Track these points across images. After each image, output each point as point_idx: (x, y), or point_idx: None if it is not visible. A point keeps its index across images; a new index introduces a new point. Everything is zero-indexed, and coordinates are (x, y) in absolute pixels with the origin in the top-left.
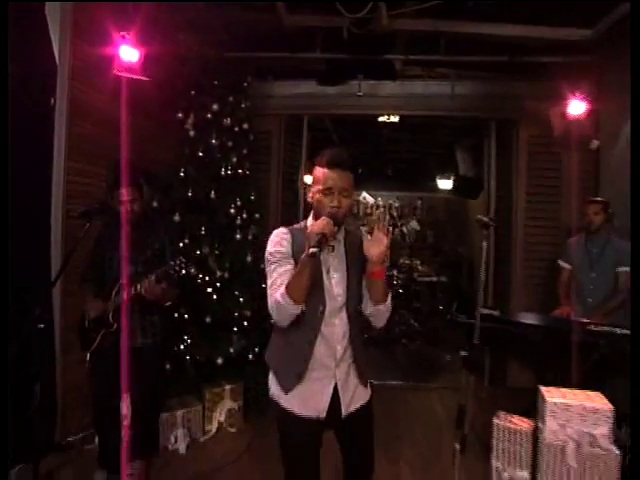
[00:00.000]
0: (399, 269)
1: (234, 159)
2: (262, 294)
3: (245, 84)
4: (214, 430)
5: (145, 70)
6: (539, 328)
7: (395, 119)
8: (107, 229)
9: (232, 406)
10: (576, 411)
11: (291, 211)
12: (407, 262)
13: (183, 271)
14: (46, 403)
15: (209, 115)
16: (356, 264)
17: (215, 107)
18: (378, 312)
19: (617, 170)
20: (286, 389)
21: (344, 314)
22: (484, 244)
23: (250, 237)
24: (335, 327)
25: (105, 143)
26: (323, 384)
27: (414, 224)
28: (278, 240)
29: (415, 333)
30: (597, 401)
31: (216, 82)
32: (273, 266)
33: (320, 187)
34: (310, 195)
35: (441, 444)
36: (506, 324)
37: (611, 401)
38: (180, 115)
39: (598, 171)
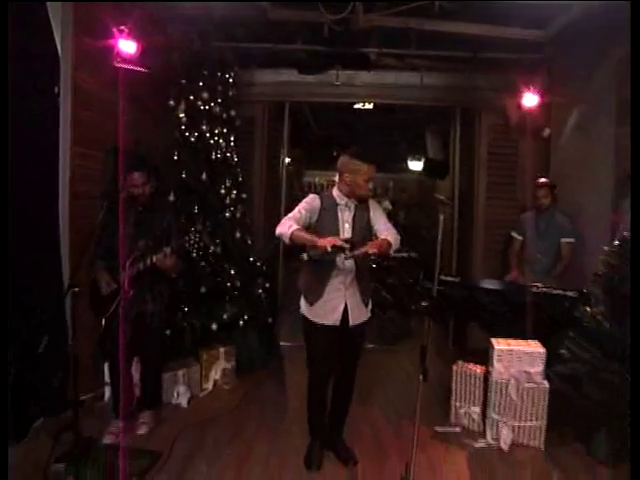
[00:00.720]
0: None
1: (223, 144)
2: (250, 267)
3: (232, 73)
4: (210, 387)
5: (141, 61)
6: (494, 291)
7: (369, 106)
8: (112, 209)
9: (226, 366)
10: (517, 355)
11: (274, 190)
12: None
13: (197, 245)
14: (60, 365)
15: (199, 103)
16: (362, 222)
17: (205, 95)
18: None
19: (565, 154)
20: (310, 303)
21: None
22: (441, 217)
23: (238, 215)
24: (346, 262)
25: (104, 128)
26: (337, 302)
27: (387, 204)
28: (311, 200)
29: (387, 304)
30: (533, 346)
31: (205, 72)
32: (298, 208)
33: (362, 177)
34: (346, 177)
35: (407, 390)
36: (465, 289)
37: (553, 348)
38: (172, 103)
39: (549, 155)
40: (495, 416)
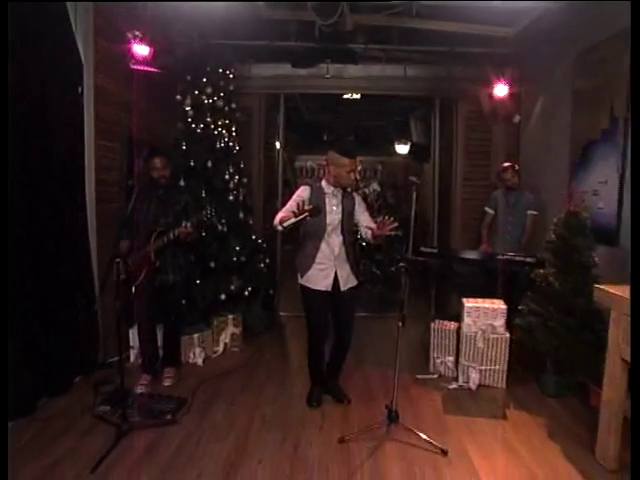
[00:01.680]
0: None
1: (226, 134)
2: (252, 244)
3: (232, 69)
4: (221, 349)
5: (154, 62)
6: (466, 260)
7: (357, 96)
8: (142, 191)
9: (234, 331)
10: (483, 310)
11: (271, 175)
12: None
13: (207, 224)
14: (90, 331)
15: (204, 97)
16: (348, 206)
17: (209, 90)
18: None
19: (533, 138)
20: (303, 273)
21: (339, 232)
22: (414, 194)
23: (241, 198)
24: (333, 239)
25: (121, 123)
26: (328, 271)
27: (375, 185)
28: (301, 191)
29: (377, 279)
30: (497, 303)
31: (208, 68)
32: (290, 202)
33: (345, 169)
34: (331, 169)
35: (392, 349)
36: (442, 258)
37: (515, 305)
38: (179, 97)
39: (519, 139)
40: (465, 362)
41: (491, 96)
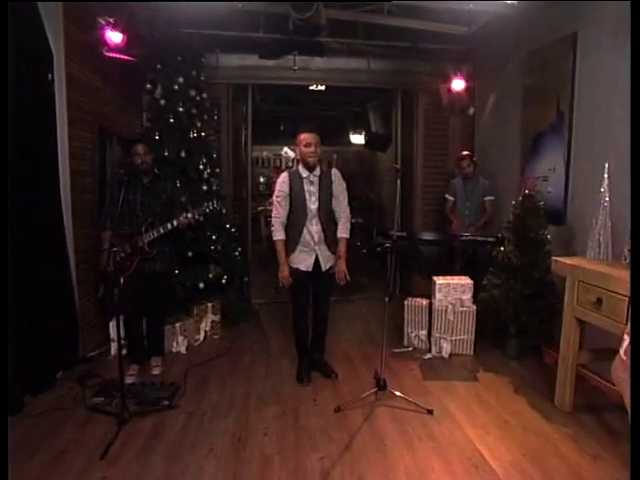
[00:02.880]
0: None
1: (198, 124)
2: (228, 234)
3: (203, 59)
4: (202, 337)
5: (126, 50)
6: (432, 241)
7: (322, 87)
8: (127, 179)
9: (214, 319)
10: (452, 286)
11: (240, 164)
12: None
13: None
14: (70, 325)
15: (176, 87)
16: (326, 192)
17: (181, 79)
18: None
19: (485, 129)
20: (289, 255)
21: (318, 219)
22: (398, 182)
23: (214, 187)
24: (313, 225)
25: (93, 112)
26: (309, 254)
27: None
28: (282, 183)
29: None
30: (464, 280)
31: (180, 58)
32: (277, 200)
33: (302, 144)
34: (297, 149)
35: (367, 324)
36: (411, 240)
37: (475, 280)
38: (149, 86)
39: (474, 130)
40: (437, 334)
41: (449, 89)
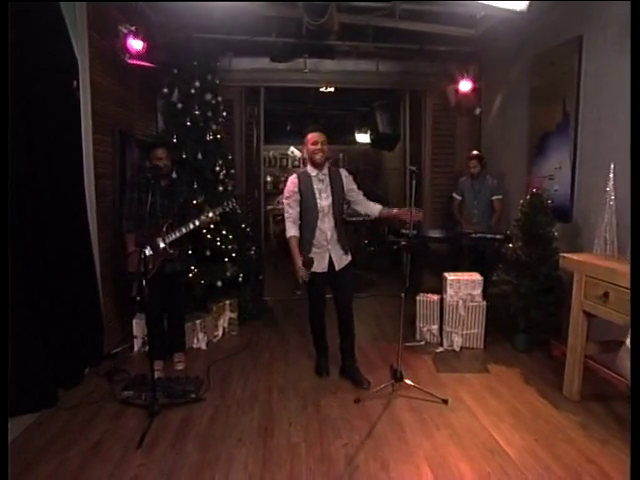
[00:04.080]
0: None
1: (214, 126)
2: (243, 233)
3: (217, 63)
4: (220, 334)
5: (148, 57)
6: (442, 239)
7: (331, 89)
8: (149, 182)
9: (231, 316)
10: (463, 282)
11: (252, 165)
12: None
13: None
14: (94, 324)
15: (192, 90)
16: (337, 189)
17: (197, 84)
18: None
19: (492, 129)
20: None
21: (331, 217)
22: (413, 182)
23: (229, 188)
24: (325, 224)
25: (116, 117)
26: (323, 255)
27: None
28: (291, 184)
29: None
30: (474, 276)
31: (195, 63)
32: (287, 202)
33: (309, 142)
34: (305, 149)
35: (379, 320)
36: (422, 238)
37: (485, 276)
38: (166, 90)
39: (480, 130)
40: (449, 329)
41: (456, 90)
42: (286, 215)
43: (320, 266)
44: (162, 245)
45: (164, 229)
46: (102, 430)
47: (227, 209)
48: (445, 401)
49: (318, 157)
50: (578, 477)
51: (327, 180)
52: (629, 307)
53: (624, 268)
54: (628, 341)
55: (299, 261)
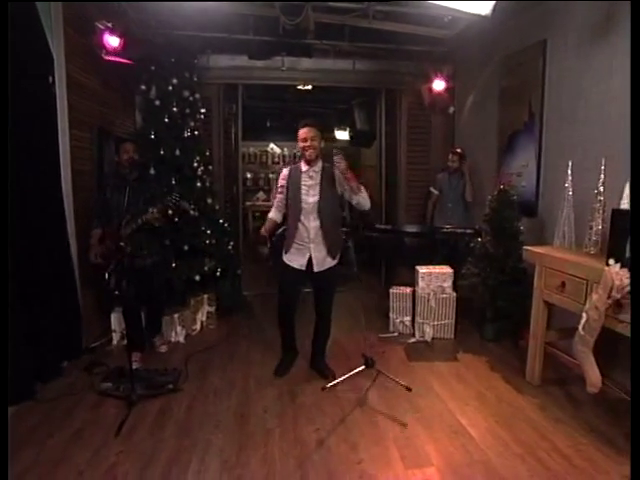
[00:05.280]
0: None
1: (192, 123)
2: (221, 227)
3: (195, 60)
4: (199, 327)
5: (125, 53)
6: (416, 233)
7: (309, 87)
8: (115, 178)
9: (209, 310)
10: (434, 274)
11: (230, 161)
12: None
13: (175, 204)
14: (72, 318)
15: (170, 87)
16: (328, 185)
17: (175, 81)
18: (358, 200)
19: (465, 127)
20: (286, 250)
21: (316, 215)
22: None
23: (207, 184)
24: (310, 222)
25: (92, 113)
26: (303, 252)
27: None
28: (282, 177)
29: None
30: (445, 269)
31: (173, 60)
32: (277, 190)
33: (299, 139)
34: (298, 147)
35: (355, 313)
36: (395, 232)
37: (456, 269)
38: (143, 87)
39: (454, 128)
40: (420, 320)
41: (430, 90)
42: (274, 201)
43: (297, 262)
44: (120, 239)
45: (123, 223)
46: (82, 419)
47: (170, 204)
48: (409, 389)
49: (307, 153)
50: (533, 452)
51: (318, 178)
52: (582, 295)
53: (579, 259)
54: (580, 327)
55: (268, 242)
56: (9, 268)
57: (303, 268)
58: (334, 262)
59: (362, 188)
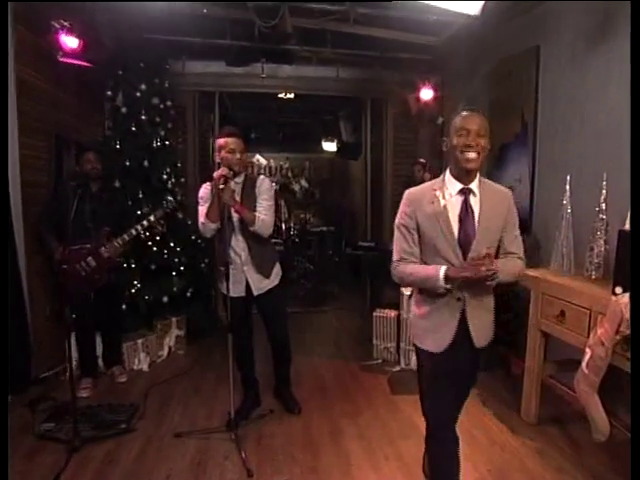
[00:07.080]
0: (295, 222)
1: (162, 132)
2: (193, 244)
3: (167, 66)
4: (166, 354)
5: (83, 55)
6: None
7: (291, 95)
8: (77, 189)
9: (178, 334)
10: None
11: (205, 174)
12: (302, 216)
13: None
14: (20, 345)
15: (138, 94)
16: (249, 198)
17: (143, 87)
18: (255, 230)
19: None
20: (220, 282)
21: (241, 235)
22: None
23: (179, 198)
24: (238, 243)
25: (46, 119)
26: (239, 277)
27: (303, 182)
28: (203, 193)
29: (310, 274)
30: None
31: (142, 64)
32: (200, 203)
33: (225, 149)
34: (218, 155)
35: (336, 337)
36: (379, 250)
37: None
38: (109, 93)
39: (442, 139)
40: (406, 347)
41: (417, 99)
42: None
43: (237, 290)
44: (106, 254)
45: (104, 239)
46: (13, 471)
47: (167, 210)
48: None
49: (231, 165)
50: None
51: (239, 190)
52: (585, 327)
53: (580, 286)
54: (584, 364)
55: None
56: None
57: (243, 294)
58: (274, 282)
59: (257, 216)
